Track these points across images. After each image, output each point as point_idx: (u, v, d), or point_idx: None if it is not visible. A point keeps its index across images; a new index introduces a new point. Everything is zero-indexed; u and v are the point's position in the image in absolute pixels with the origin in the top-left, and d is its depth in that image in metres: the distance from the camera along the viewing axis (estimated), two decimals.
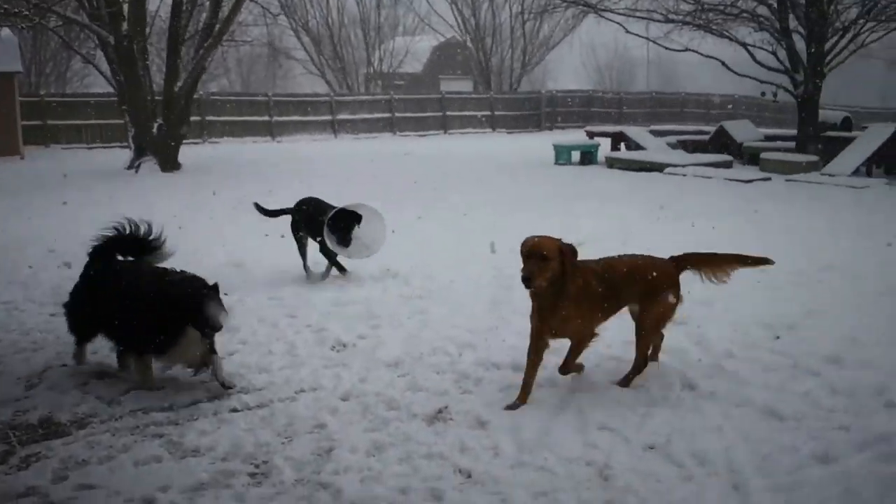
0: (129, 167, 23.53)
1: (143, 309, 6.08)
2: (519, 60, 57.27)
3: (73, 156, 29.41)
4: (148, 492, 4.66)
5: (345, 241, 9.30)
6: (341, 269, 9.81)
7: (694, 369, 6.34)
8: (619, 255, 6.39)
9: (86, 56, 31.16)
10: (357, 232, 9.39)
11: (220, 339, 7.43)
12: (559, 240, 5.69)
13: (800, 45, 23.80)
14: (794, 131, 25.26)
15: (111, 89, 26.54)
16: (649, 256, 6.29)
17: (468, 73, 59.82)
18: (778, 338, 7.10)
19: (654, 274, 6.03)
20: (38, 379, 6.55)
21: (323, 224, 9.24)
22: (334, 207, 9.51)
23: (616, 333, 7.29)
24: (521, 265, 5.56)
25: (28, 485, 4.78)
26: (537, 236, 5.69)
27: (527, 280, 5.48)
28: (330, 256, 9.70)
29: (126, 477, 4.83)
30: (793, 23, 23.71)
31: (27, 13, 21.92)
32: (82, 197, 17.20)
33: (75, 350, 6.86)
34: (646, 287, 6.00)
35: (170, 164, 23.35)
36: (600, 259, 6.21)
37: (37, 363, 6.91)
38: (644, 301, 6.03)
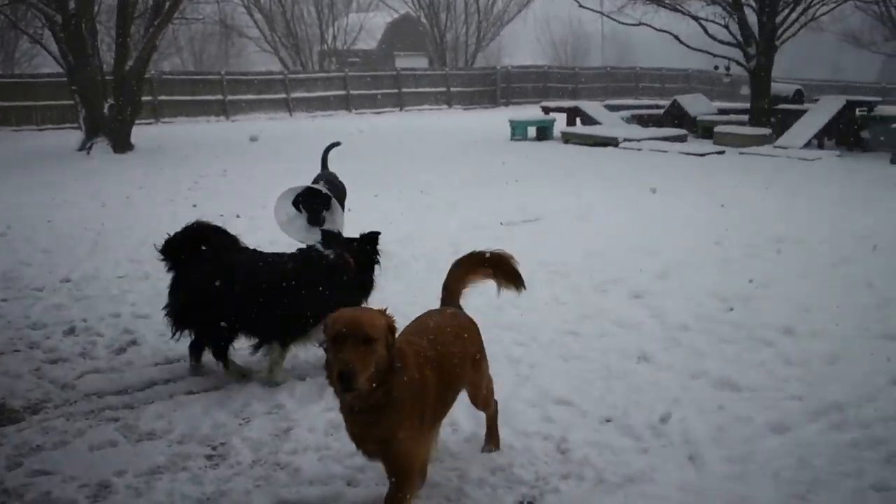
0: (81, 149, 23.12)
1: (296, 293, 5.82)
2: (474, 36, 57.20)
3: (23, 138, 28.85)
4: (104, 476, 4.61)
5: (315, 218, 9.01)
6: None
7: (650, 342, 6.40)
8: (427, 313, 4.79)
9: (33, 36, 30.48)
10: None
11: None
12: (384, 311, 3.84)
13: (751, 18, 23.98)
14: (747, 105, 25.51)
15: (60, 69, 26.03)
16: (452, 312, 4.73)
17: (423, 50, 59.58)
18: (732, 309, 7.20)
19: (469, 335, 4.49)
20: None
21: None
22: None
23: (573, 309, 7.36)
24: (331, 354, 3.59)
25: None
26: (354, 309, 3.99)
27: (347, 379, 3.45)
28: None
29: (81, 462, 4.78)
30: None
31: None
32: (33, 179, 16.89)
33: (192, 363, 6.17)
34: (474, 355, 4.48)
35: (122, 144, 22.98)
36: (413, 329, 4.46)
37: None
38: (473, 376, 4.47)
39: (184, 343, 6.68)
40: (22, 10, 29.63)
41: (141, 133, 25.26)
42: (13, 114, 32.32)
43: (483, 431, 4.85)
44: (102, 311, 7.74)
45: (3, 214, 12.54)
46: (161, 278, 8.75)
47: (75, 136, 24.72)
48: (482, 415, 4.83)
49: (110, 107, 23.02)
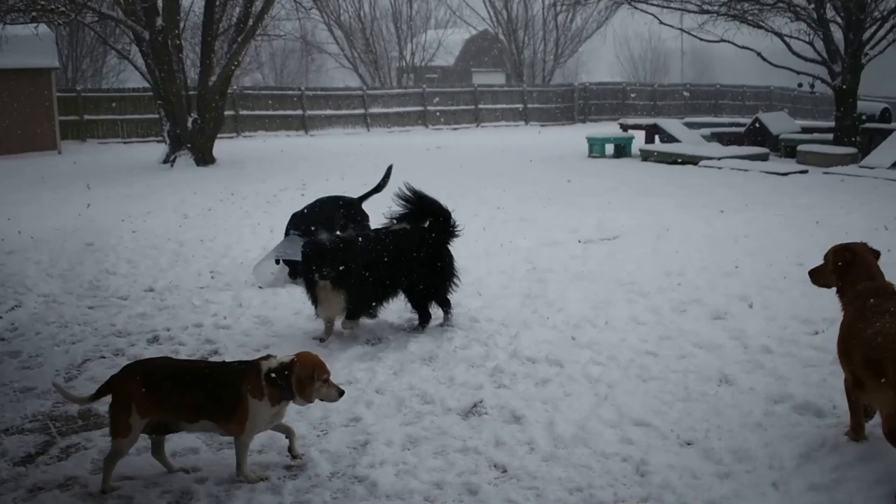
0: (165, 161, 23.72)
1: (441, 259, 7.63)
2: (551, 53, 57.03)
3: (109, 150, 29.70)
4: (185, 483, 4.69)
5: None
6: None
7: (732, 365, 6.28)
8: None
9: (121, 51, 31.32)
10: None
11: (257, 332, 7.51)
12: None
13: (837, 35, 23.45)
14: (831, 123, 24.91)
15: (146, 84, 26.73)
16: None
17: (500, 66, 59.63)
18: (817, 333, 7.00)
19: None
20: (77, 371, 6.64)
21: None
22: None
23: (652, 329, 7.27)
24: None
25: (68, 475, 4.85)
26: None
27: None
28: None
29: (164, 468, 4.87)
30: (830, 12, 23.38)
31: (64, 9, 22.10)
32: (119, 191, 17.35)
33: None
34: None
35: (205, 158, 23.51)
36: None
37: (76, 355, 6.99)
38: None
39: (263, 354, 6.78)
40: (111, 26, 30.52)
41: (222, 147, 25.78)
42: (100, 127, 33.30)
43: (560, 452, 4.82)
44: (185, 320, 7.91)
45: (89, 225, 12.90)
46: (242, 289, 8.95)
47: (159, 148, 25.35)
48: (561, 433, 4.79)
49: (194, 121, 23.56)
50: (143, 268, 9.99)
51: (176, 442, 5.21)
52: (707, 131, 26.88)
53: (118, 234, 12.11)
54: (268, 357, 4.88)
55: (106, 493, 4.59)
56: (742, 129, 26.49)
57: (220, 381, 4.74)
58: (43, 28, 26.20)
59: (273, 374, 4.70)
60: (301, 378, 4.72)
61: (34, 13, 22.61)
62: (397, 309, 8.01)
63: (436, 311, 7.62)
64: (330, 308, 7.18)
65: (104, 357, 6.94)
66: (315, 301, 7.16)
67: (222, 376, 4.79)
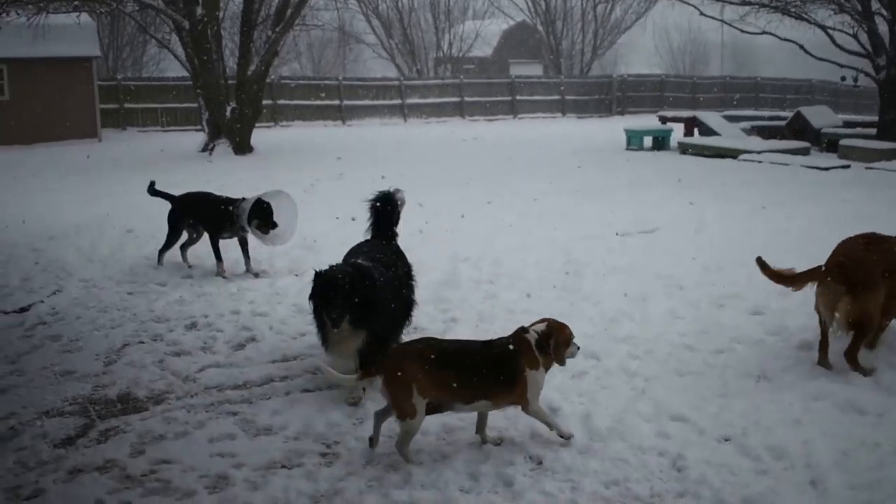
0: (203, 150, 23.90)
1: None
2: (590, 44, 56.69)
3: (148, 138, 29.99)
4: (222, 468, 4.74)
5: (264, 229, 9.12)
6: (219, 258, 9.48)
7: (771, 360, 6.20)
8: None
9: (161, 41, 31.63)
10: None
11: (294, 321, 7.53)
12: None
13: (882, 27, 23.09)
14: (874, 117, 24.53)
15: (186, 73, 26.94)
16: None
17: (538, 58, 59.35)
18: None
19: None
20: (117, 355, 6.71)
21: (221, 217, 9.30)
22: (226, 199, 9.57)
23: (690, 323, 7.21)
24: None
25: (106, 458, 4.91)
26: None
27: None
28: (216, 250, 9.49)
29: (201, 453, 4.92)
30: (875, 4, 23.01)
31: None
32: (158, 179, 17.43)
33: None
34: None
35: (242, 147, 23.65)
36: None
37: (115, 340, 7.07)
38: None
39: (299, 342, 6.84)
40: (151, 15, 30.77)
41: (260, 136, 25.92)
42: (140, 115, 33.64)
43: (596, 445, 4.81)
44: (222, 307, 7.97)
45: (129, 212, 13.03)
46: (279, 277, 9.00)
47: (198, 137, 25.55)
48: (597, 426, 4.78)
49: (232, 110, 23.71)
50: (179, 255, 10.06)
51: (212, 428, 5.26)
52: (747, 124, 26.61)
53: (158, 222, 12.19)
54: (525, 329, 5.03)
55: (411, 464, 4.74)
56: (783, 123, 26.17)
57: (496, 358, 4.88)
58: (84, 17, 26.50)
59: (543, 343, 4.93)
60: (558, 343, 4.96)
61: (76, 2, 22.89)
62: (429, 298, 8.02)
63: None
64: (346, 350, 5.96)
65: (143, 342, 7.01)
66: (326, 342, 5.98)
67: (495, 354, 4.92)
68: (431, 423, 5.21)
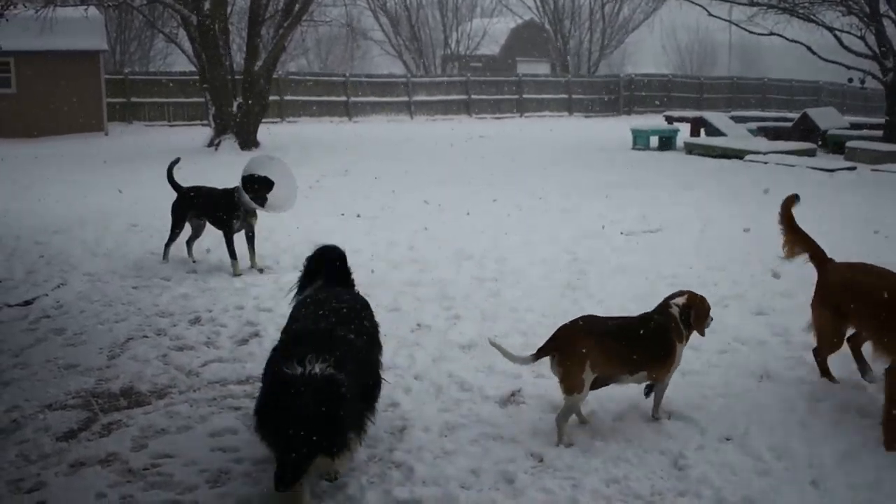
0: (210, 145, 23.93)
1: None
2: (597, 43, 56.70)
3: (154, 133, 30.04)
4: (224, 463, 4.74)
5: (260, 199, 9.14)
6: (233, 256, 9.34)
7: (774, 361, 6.20)
8: None
9: (168, 35, 31.63)
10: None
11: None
12: None
13: (890, 30, 23.04)
14: (881, 119, 24.48)
15: (193, 68, 26.99)
16: None
17: (546, 56, 59.32)
18: None
19: None
20: (120, 350, 6.72)
21: (228, 209, 9.25)
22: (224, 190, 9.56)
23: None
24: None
25: (109, 451, 4.92)
26: None
27: None
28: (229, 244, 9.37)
29: (203, 447, 4.93)
30: (883, 6, 22.95)
31: None
32: (164, 173, 17.47)
33: None
34: None
35: (249, 142, 23.69)
36: None
37: (119, 334, 7.08)
38: None
39: None
40: (159, 9, 30.85)
41: (267, 131, 25.95)
42: (146, 109, 33.71)
43: (598, 443, 4.81)
44: (226, 302, 7.98)
45: (134, 206, 13.06)
46: (283, 273, 9.01)
47: (204, 132, 25.59)
48: (599, 425, 4.77)
49: (239, 105, 23.75)
50: (185, 250, 10.07)
51: (214, 423, 5.26)
52: (753, 125, 26.59)
53: (162, 216, 12.21)
54: (668, 302, 5.22)
55: (565, 446, 4.85)
56: (789, 124, 26.12)
57: (654, 331, 5.06)
58: (92, 11, 26.54)
59: (685, 316, 5.13)
60: (699, 314, 5.18)
61: None
62: (433, 295, 8.03)
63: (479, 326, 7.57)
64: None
65: (146, 336, 7.02)
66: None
67: (653, 327, 5.09)
68: (432, 420, 5.23)
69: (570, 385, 4.85)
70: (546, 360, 4.99)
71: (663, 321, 5.10)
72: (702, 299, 5.22)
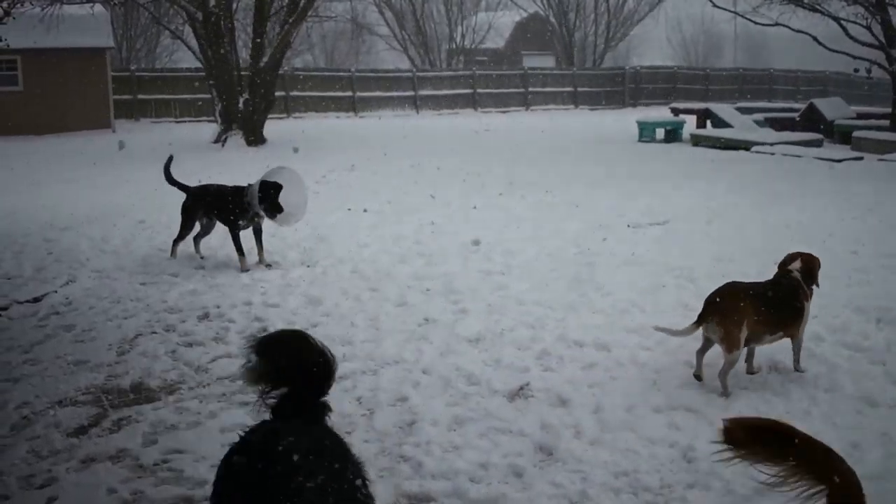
0: (216, 141, 23.95)
1: None
2: (602, 36, 56.56)
3: (161, 129, 30.04)
4: None
5: (274, 210, 9.13)
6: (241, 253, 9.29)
7: (782, 352, 6.19)
8: None
9: (175, 32, 31.74)
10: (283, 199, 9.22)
11: (305, 312, 7.55)
12: None
13: None
14: (888, 109, 24.40)
15: (199, 64, 27.00)
16: None
17: (551, 49, 59.22)
18: (879, 321, 6.86)
19: None
20: (129, 346, 6.74)
21: (237, 208, 9.24)
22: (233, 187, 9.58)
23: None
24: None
25: (119, 447, 4.94)
26: None
27: None
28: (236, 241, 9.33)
29: (213, 443, 4.93)
30: None
31: None
32: (171, 169, 17.52)
33: None
34: None
35: (255, 138, 23.71)
36: None
37: (128, 330, 7.10)
38: None
39: (312, 333, 6.84)
40: (165, 6, 30.87)
41: (273, 127, 25.95)
42: (153, 106, 33.72)
43: (606, 436, 4.81)
44: (234, 298, 7.99)
45: (142, 203, 13.09)
46: (290, 269, 9.04)
47: (211, 128, 25.59)
48: (607, 417, 4.79)
49: (245, 101, 23.76)
50: (192, 246, 10.11)
51: (224, 418, 5.28)
52: (760, 116, 26.52)
53: (170, 213, 12.24)
54: (786, 269, 5.77)
55: (726, 398, 5.39)
56: (796, 115, 26.05)
57: (788, 293, 5.63)
58: (98, 8, 26.61)
59: (806, 276, 5.71)
60: (815, 272, 5.81)
61: None
62: (440, 289, 8.03)
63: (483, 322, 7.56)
64: None
65: (155, 332, 7.04)
66: None
67: (787, 290, 5.65)
68: (441, 414, 5.24)
69: (731, 343, 5.37)
70: None
71: (792, 283, 5.63)
72: (813, 257, 5.80)
